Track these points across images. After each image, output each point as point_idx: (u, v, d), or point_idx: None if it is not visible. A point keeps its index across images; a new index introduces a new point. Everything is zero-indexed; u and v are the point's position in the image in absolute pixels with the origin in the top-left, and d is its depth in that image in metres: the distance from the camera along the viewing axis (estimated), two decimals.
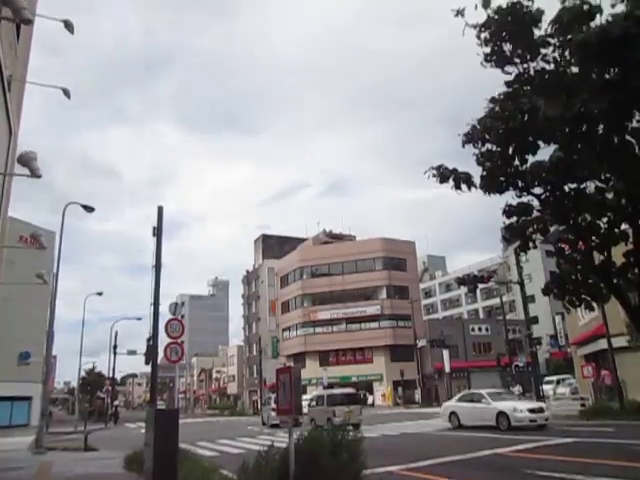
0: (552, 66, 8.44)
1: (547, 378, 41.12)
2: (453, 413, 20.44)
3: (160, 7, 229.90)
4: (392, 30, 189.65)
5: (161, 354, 12.58)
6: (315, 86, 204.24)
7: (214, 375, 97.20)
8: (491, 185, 9.20)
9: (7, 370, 31.66)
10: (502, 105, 8.74)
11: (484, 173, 9.20)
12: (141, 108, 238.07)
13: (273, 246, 77.40)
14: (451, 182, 9.05)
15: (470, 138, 9.07)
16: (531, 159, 9.15)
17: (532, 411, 17.92)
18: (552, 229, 10.11)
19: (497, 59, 8.70)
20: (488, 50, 8.65)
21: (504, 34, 8.38)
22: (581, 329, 33.07)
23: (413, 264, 62.44)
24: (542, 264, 57.47)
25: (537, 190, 9.39)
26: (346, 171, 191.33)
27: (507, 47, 8.55)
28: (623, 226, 9.32)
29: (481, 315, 77.35)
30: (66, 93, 11.78)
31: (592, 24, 7.56)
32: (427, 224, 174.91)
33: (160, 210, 11.64)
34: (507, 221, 10.03)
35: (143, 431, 12.00)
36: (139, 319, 47.98)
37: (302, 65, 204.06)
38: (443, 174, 9.05)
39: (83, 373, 67.24)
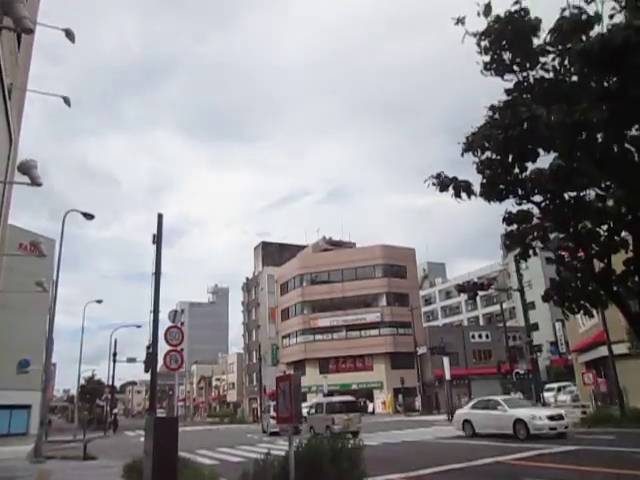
0: (551, 74, 8.47)
1: (548, 385, 41.01)
2: (467, 421, 19.82)
3: (161, 14, 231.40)
4: (393, 38, 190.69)
5: (161, 362, 12.59)
6: (315, 94, 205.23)
7: (214, 383, 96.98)
8: (491, 193, 9.18)
9: (6, 378, 31.52)
10: (502, 113, 8.74)
11: (484, 181, 9.19)
12: (141, 115, 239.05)
13: (273, 253, 77.43)
14: (451, 190, 9.04)
15: (470, 146, 9.07)
16: (531, 166, 9.16)
17: (551, 418, 17.26)
18: (552, 236, 10.10)
19: (497, 67, 8.71)
20: (488, 58, 8.67)
21: (503, 43, 8.40)
22: (581, 336, 33.05)
23: (413, 271, 62.43)
24: (542, 271, 57.48)
25: (537, 198, 9.39)
26: (346, 178, 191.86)
27: (507, 55, 8.56)
28: (623, 234, 9.32)
29: (481, 322, 77.26)
30: (66, 101, 11.83)
31: (591, 33, 7.61)
32: (427, 231, 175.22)
33: (160, 218, 11.68)
34: (507, 228, 10.02)
35: (142, 439, 11.98)
36: (139, 326, 47.94)
37: (303, 73, 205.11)
38: (443, 182, 9.03)
39: (82, 381, 66.95)
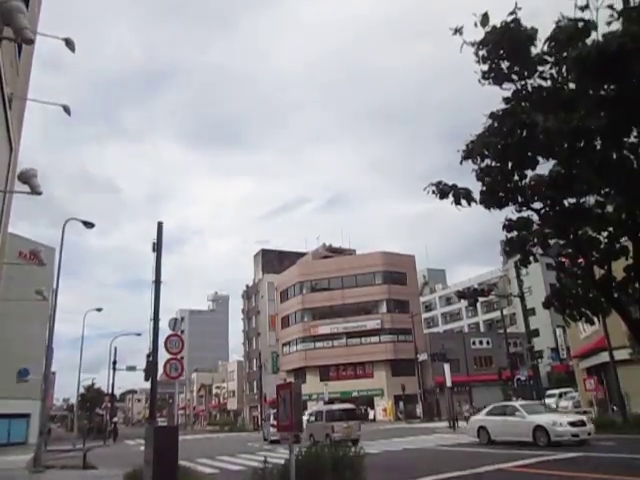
0: (549, 83, 8.52)
1: (549, 392, 40.90)
2: (482, 428, 19.06)
3: (161, 24, 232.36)
4: (392, 47, 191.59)
5: (161, 370, 12.56)
6: (315, 102, 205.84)
7: (214, 391, 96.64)
8: (491, 200, 9.22)
9: (5, 387, 31.43)
10: (500, 121, 8.79)
11: (484, 188, 9.23)
12: (141, 123, 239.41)
13: (273, 261, 77.43)
14: (451, 198, 9.07)
15: (469, 154, 9.12)
16: (530, 173, 9.20)
17: (573, 425, 16.54)
18: (552, 243, 10.12)
19: (495, 76, 8.77)
20: (486, 67, 8.73)
21: (501, 52, 8.46)
22: (582, 342, 32.99)
23: (413, 278, 62.38)
24: (542, 277, 57.56)
25: (537, 205, 9.42)
26: (346, 185, 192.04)
27: (504, 65, 8.63)
28: (623, 240, 9.35)
29: (482, 328, 77.20)
30: (66, 110, 11.84)
31: (587, 41, 7.67)
32: (427, 237, 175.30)
33: (160, 226, 11.70)
34: (507, 235, 10.05)
35: (142, 448, 11.93)
36: (139, 335, 47.89)
37: (302, 81, 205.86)
38: (443, 190, 9.06)
39: (82, 389, 66.83)
